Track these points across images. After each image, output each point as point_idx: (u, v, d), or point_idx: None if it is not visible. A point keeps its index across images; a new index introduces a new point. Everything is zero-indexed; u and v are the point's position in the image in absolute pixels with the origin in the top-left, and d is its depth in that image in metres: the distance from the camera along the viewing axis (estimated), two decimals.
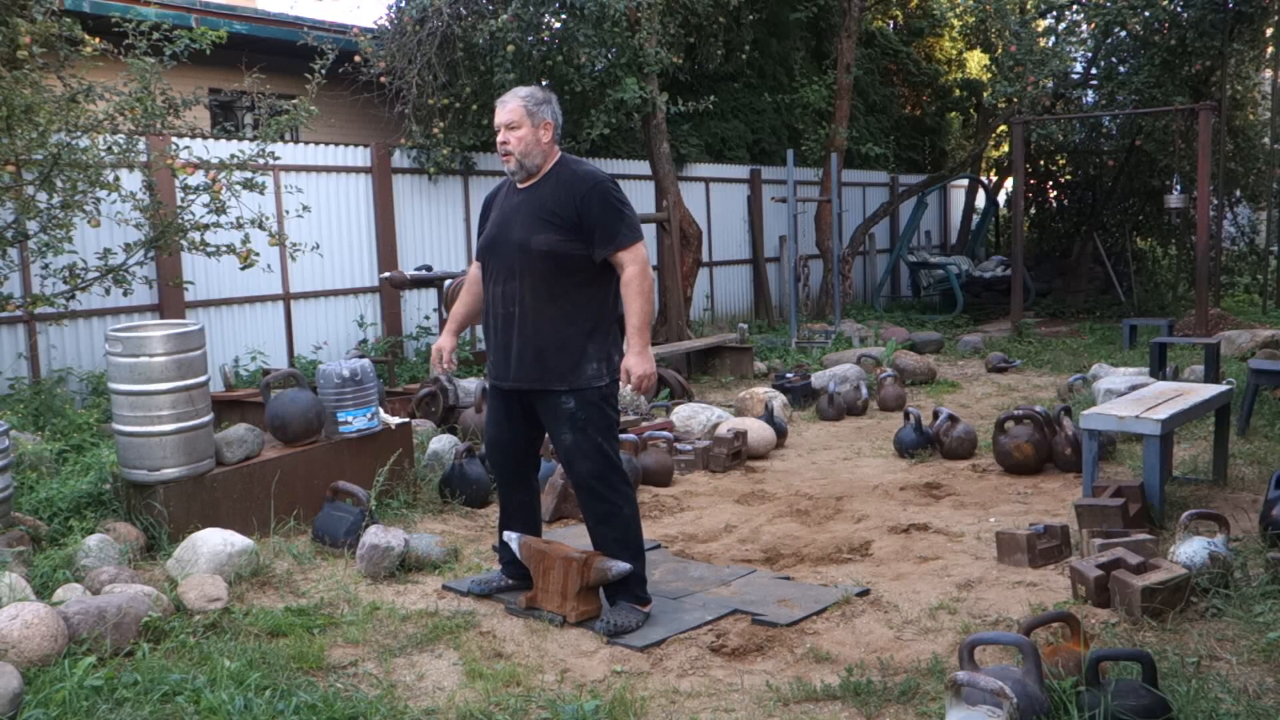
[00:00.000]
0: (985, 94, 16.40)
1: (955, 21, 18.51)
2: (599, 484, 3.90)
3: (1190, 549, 4.00)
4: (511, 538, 4.13)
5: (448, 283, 8.35)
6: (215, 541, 4.37)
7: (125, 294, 7.44)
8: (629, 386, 3.86)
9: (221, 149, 8.15)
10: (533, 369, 3.87)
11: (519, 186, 3.95)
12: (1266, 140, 14.47)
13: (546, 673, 3.55)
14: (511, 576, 4.28)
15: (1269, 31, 13.64)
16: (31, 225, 6.69)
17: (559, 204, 3.81)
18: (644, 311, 3.82)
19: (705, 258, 13.31)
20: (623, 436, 6.14)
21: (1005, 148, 18.00)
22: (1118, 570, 3.84)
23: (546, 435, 4.12)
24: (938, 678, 3.33)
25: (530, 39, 9.74)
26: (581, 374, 3.85)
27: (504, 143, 3.87)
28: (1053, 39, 14.18)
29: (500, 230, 3.94)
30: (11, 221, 6.64)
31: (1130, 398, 5.53)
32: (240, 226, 7.35)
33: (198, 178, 7.34)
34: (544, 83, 9.85)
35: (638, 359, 3.84)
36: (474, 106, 10.03)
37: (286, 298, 9.19)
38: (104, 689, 3.28)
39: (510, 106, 3.86)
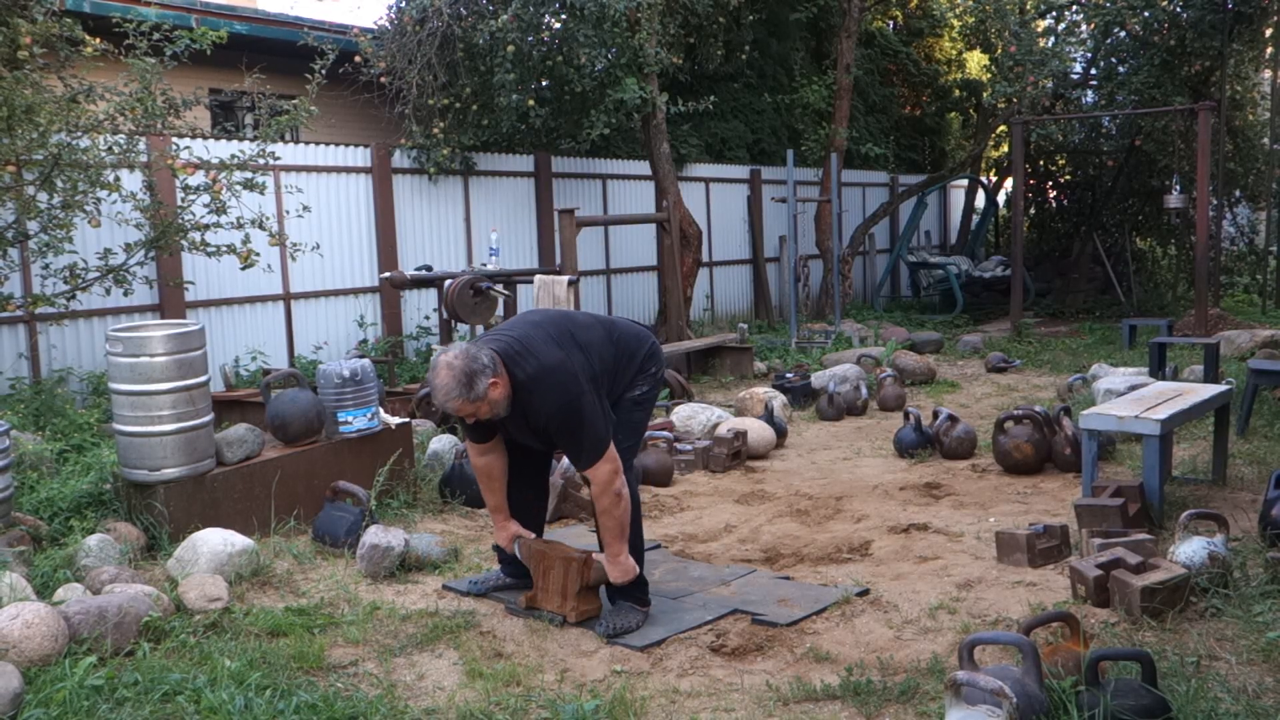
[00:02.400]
0: (985, 94, 16.41)
1: (955, 22, 18.52)
2: (605, 480, 3.88)
3: (1190, 549, 4.00)
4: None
5: (448, 283, 8.35)
6: (215, 541, 4.37)
7: (126, 294, 7.45)
8: (624, 573, 3.90)
9: (222, 149, 8.15)
10: None
11: None
12: (1266, 140, 14.47)
13: (546, 672, 3.55)
14: (510, 575, 4.29)
15: (1268, 32, 13.64)
16: (32, 225, 6.70)
17: (538, 423, 3.76)
18: (613, 527, 3.82)
19: (705, 258, 13.31)
20: None
21: (1005, 148, 18.01)
22: (1117, 570, 3.84)
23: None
24: (937, 677, 3.33)
25: (530, 39, 9.74)
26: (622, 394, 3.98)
27: (476, 421, 3.76)
28: (1052, 39, 14.18)
29: (517, 434, 3.93)
30: (12, 221, 6.64)
31: (1130, 398, 5.54)
32: (240, 226, 7.36)
33: (198, 178, 7.34)
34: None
35: (615, 568, 3.88)
36: (474, 107, 10.03)
37: (287, 298, 9.19)
38: (104, 689, 3.28)
39: (454, 409, 3.61)
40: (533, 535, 4.15)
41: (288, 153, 9.05)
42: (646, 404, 4.06)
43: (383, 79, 9.95)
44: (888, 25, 18.46)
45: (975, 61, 19.40)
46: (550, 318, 3.92)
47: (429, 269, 9.19)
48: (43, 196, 6.54)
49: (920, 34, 18.85)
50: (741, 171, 14.50)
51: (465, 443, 4.17)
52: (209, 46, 7.23)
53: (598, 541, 4.06)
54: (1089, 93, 14.96)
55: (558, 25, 10.06)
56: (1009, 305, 13.00)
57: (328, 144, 9.60)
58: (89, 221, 6.86)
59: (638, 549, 4.03)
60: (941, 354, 11.57)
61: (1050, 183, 16.77)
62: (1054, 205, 17.01)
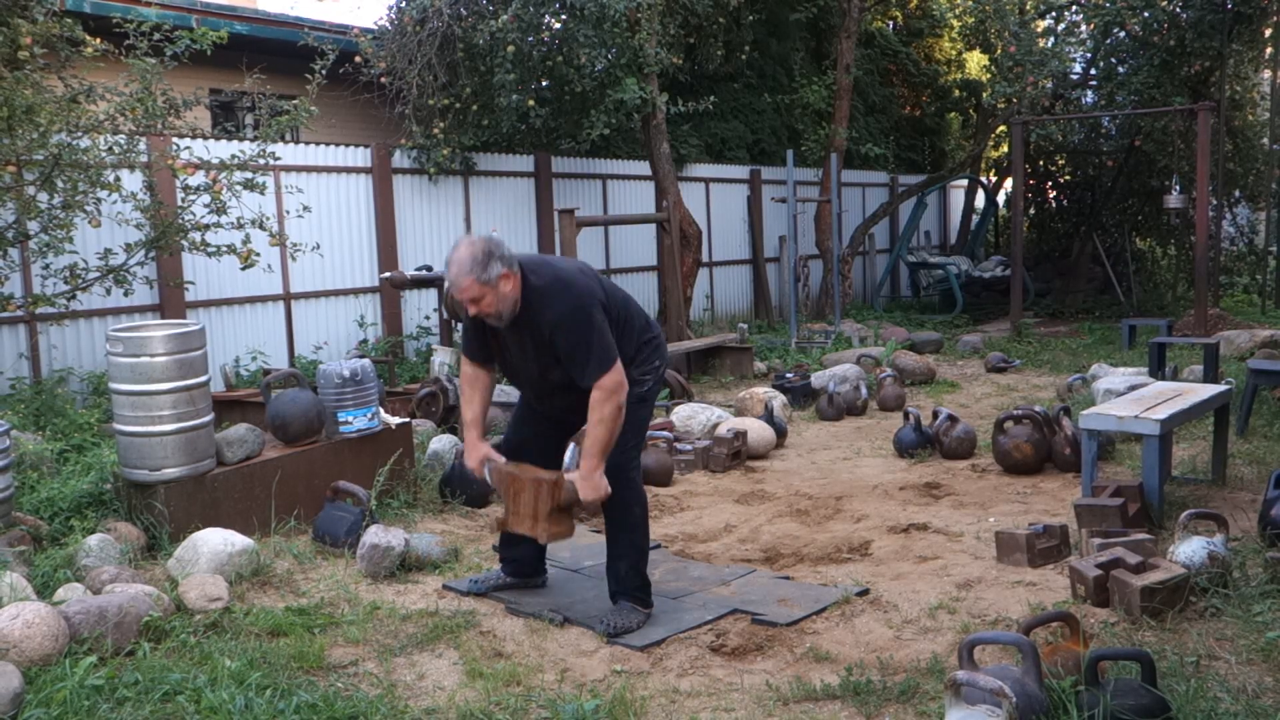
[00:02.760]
0: (985, 94, 16.41)
1: (955, 22, 18.52)
2: (612, 479, 3.89)
3: (1189, 549, 4.00)
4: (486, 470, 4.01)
5: (448, 283, 8.37)
6: (216, 541, 4.38)
7: (126, 294, 7.45)
8: (595, 491, 3.77)
9: (222, 149, 8.16)
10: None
11: None
12: (1265, 140, 14.48)
13: (546, 672, 3.55)
14: (511, 575, 4.29)
15: (1268, 32, 13.65)
16: (32, 225, 6.70)
17: (543, 337, 3.75)
18: (602, 439, 3.72)
19: (705, 258, 13.32)
20: None
21: (1005, 148, 18.01)
22: (1117, 570, 3.85)
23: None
24: (937, 677, 3.33)
25: (530, 39, 9.74)
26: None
27: (479, 312, 3.73)
28: (1052, 39, 14.19)
29: (518, 361, 3.91)
30: (12, 222, 6.64)
31: (1129, 398, 5.54)
32: (241, 227, 7.36)
33: (198, 178, 7.34)
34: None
35: (585, 482, 3.76)
36: (474, 107, 10.03)
37: (287, 298, 9.19)
38: (105, 688, 3.28)
39: (462, 285, 3.65)
40: (504, 460, 4.02)
41: (288, 153, 9.05)
42: (650, 400, 4.06)
43: (383, 79, 9.95)
44: (887, 25, 18.47)
45: (975, 62, 19.41)
46: (579, 262, 4.05)
47: (429, 269, 9.20)
48: (43, 196, 6.54)
49: (920, 34, 18.86)
50: (741, 171, 14.50)
51: (460, 359, 4.09)
52: (209, 47, 7.23)
53: (606, 537, 4.05)
54: (1089, 93, 14.96)
55: (558, 25, 10.06)
56: (1009, 305, 13.01)
57: (328, 144, 9.60)
58: (89, 222, 6.86)
59: (644, 550, 4.02)
60: (941, 354, 11.58)
61: (1050, 183, 16.77)
62: (1054, 205, 17.02)
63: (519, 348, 3.86)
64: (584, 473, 3.77)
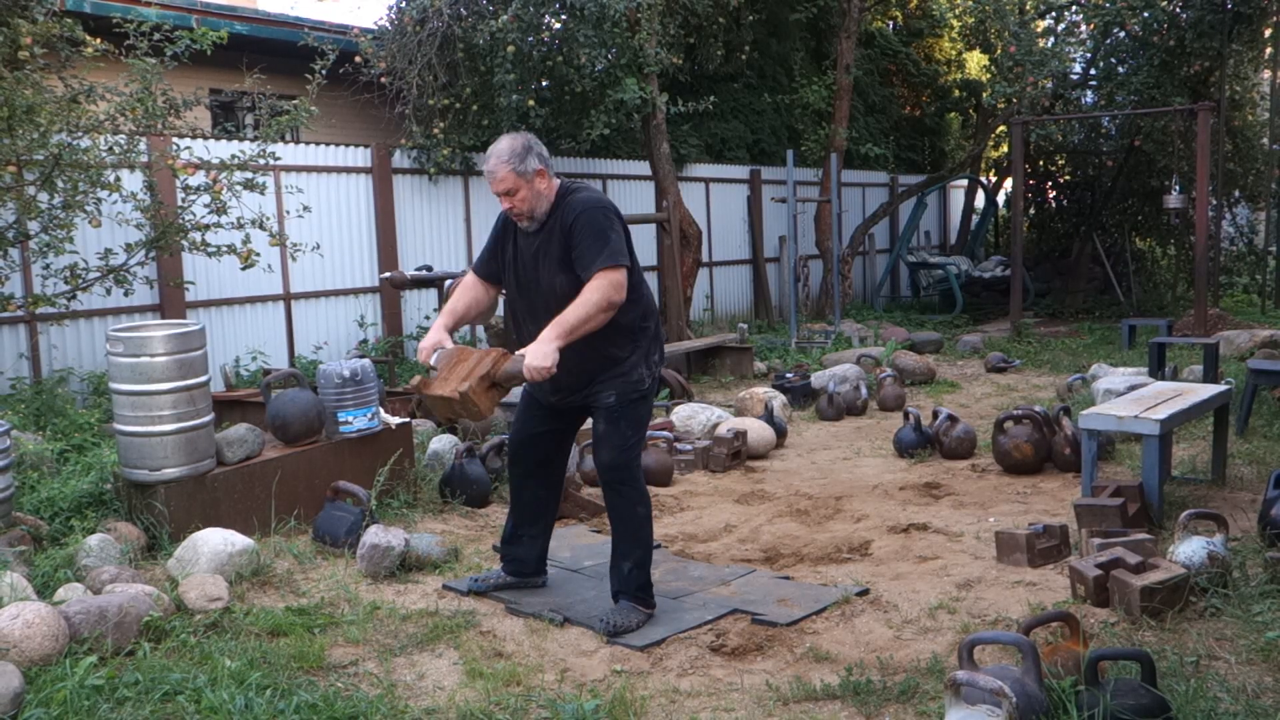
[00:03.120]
0: (985, 94, 16.41)
1: (955, 22, 18.52)
2: (615, 477, 3.91)
3: (1189, 548, 4.01)
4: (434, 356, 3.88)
5: (448, 283, 8.35)
6: (216, 541, 4.38)
7: (126, 294, 7.45)
8: (535, 369, 3.58)
9: (222, 149, 8.16)
10: (579, 392, 3.93)
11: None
12: (1265, 141, 14.48)
13: (546, 672, 3.55)
14: (511, 574, 4.29)
15: (1268, 32, 13.65)
16: (33, 225, 6.70)
17: (565, 243, 3.76)
18: (579, 318, 3.61)
19: (705, 258, 13.32)
20: None
21: (1004, 148, 18.01)
22: (1117, 570, 3.85)
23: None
24: (937, 677, 3.34)
25: (530, 39, 9.75)
26: (627, 378, 3.89)
27: (510, 207, 3.81)
28: (1052, 40, 14.19)
29: (528, 274, 3.89)
30: (13, 222, 6.64)
31: (1129, 398, 5.54)
32: (241, 227, 7.36)
33: (198, 178, 7.35)
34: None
35: (538, 349, 3.58)
36: (474, 107, 10.03)
37: (287, 298, 9.19)
38: (105, 688, 3.29)
39: (500, 175, 3.73)
40: (456, 347, 3.88)
41: (288, 153, 9.05)
42: (650, 397, 4.04)
43: (383, 79, 9.95)
44: (887, 25, 18.47)
45: (975, 62, 19.41)
46: None
47: (429, 269, 9.20)
48: (43, 197, 6.54)
49: (920, 34, 18.85)
50: (741, 171, 14.50)
51: (469, 274, 4.07)
52: (209, 47, 7.23)
53: (611, 536, 4.02)
54: (1088, 93, 14.95)
55: (558, 25, 10.06)
56: (1009, 305, 13.01)
57: (328, 144, 9.60)
58: (89, 222, 6.86)
59: (648, 549, 4.00)
60: (941, 354, 11.58)
61: (1050, 183, 16.77)
62: (1054, 205, 17.02)
63: (536, 257, 3.83)
64: (543, 339, 3.60)
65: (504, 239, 3.98)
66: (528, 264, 3.89)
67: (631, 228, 12.06)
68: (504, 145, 3.76)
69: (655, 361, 4.00)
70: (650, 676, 3.52)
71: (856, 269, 16.14)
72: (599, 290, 3.66)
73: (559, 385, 3.90)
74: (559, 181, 3.87)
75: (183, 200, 7.30)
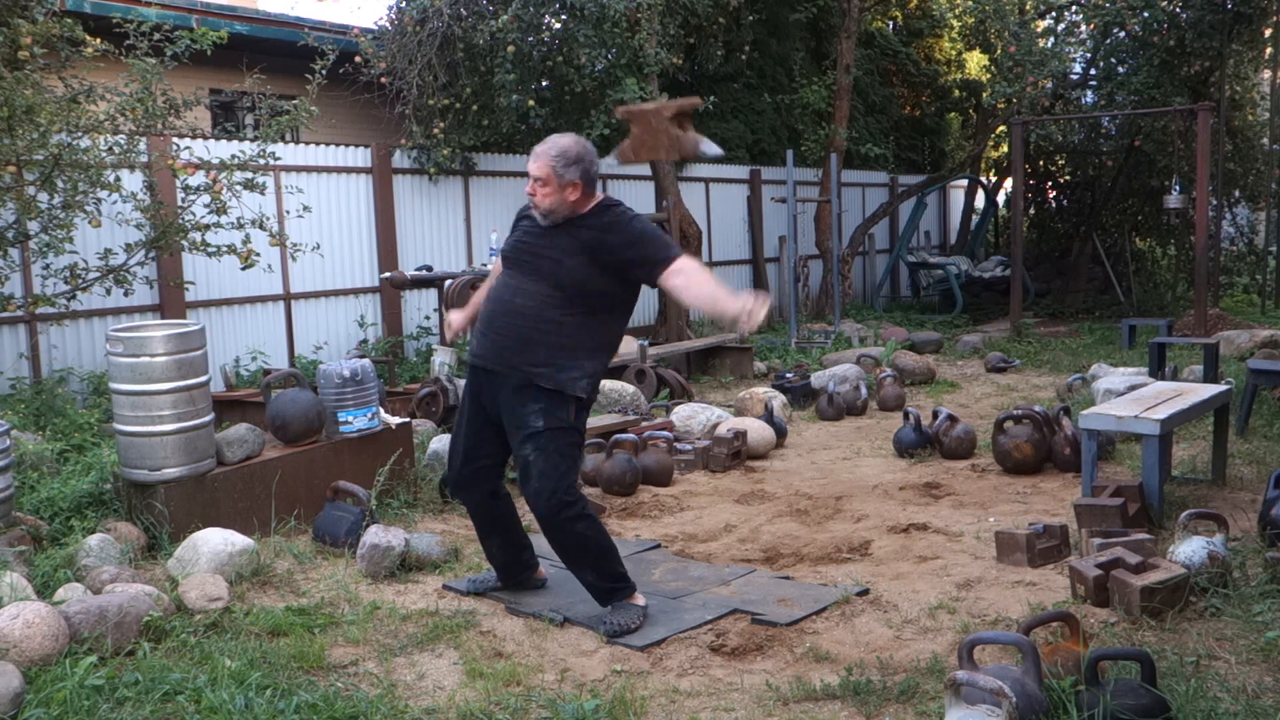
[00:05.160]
0: (984, 94, 16.41)
1: (955, 22, 18.52)
2: (551, 510, 3.76)
3: (1189, 548, 4.00)
4: None
5: (448, 283, 8.36)
6: (216, 541, 4.38)
7: (126, 294, 7.46)
8: (746, 311, 3.53)
9: (222, 149, 8.16)
10: (518, 353, 3.76)
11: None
12: (1265, 141, 14.49)
13: (546, 672, 3.55)
14: (501, 579, 4.27)
15: (1268, 32, 13.65)
16: (33, 225, 6.70)
17: (599, 244, 3.75)
18: (711, 293, 3.68)
19: (705, 258, 13.31)
20: (622, 436, 6.16)
21: (1004, 148, 18.01)
22: (1117, 570, 3.85)
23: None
24: (937, 677, 3.33)
25: (530, 39, 9.75)
26: (566, 376, 3.75)
27: (532, 192, 3.80)
28: (1052, 40, 14.19)
29: (535, 245, 3.85)
30: (13, 222, 6.65)
31: (1129, 398, 5.54)
32: (241, 227, 7.36)
33: (198, 178, 7.35)
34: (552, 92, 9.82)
35: (734, 299, 3.58)
36: (474, 107, 10.04)
37: (287, 298, 9.20)
38: (105, 688, 3.28)
39: (540, 163, 3.74)
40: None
41: (288, 153, 9.06)
42: (579, 429, 3.90)
43: (383, 79, 9.96)
44: (887, 25, 18.47)
45: (975, 62, 19.41)
46: None
47: (429, 269, 9.21)
48: (43, 197, 6.55)
49: (920, 34, 18.85)
50: (741, 172, 14.51)
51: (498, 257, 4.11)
52: (209, 47, 7.24)
53: (561, 562, 4.00)
54: (1088, 93, 14.96)
55: (558, 25, 10.07)
56: (1009, 305, 13.01)
57: (328, 144, 9.60)
58: (89, 222, 6.87)
59: (603, 551, 3.90)
60: (941, 354, 11.58)
61: (1050, 183, 16.78)
62: (1053, 205, 17.03)
63: (545, 233, 3.82)
64: (723, 308, 3.61)
65: (521, 219, 4.00)
66: (537, 235, 3.86)
67: None
68: (564, 142, 3.79)
69: (586, 387, 3.81)
70: (650, 676, 3.52)
71: (856, 269, 16.13)
72: (687, 275, 3.73)
73: (501, 348, 3.79)
74: (601, 196, 3.88)
75: (183, 200, 7.30)
